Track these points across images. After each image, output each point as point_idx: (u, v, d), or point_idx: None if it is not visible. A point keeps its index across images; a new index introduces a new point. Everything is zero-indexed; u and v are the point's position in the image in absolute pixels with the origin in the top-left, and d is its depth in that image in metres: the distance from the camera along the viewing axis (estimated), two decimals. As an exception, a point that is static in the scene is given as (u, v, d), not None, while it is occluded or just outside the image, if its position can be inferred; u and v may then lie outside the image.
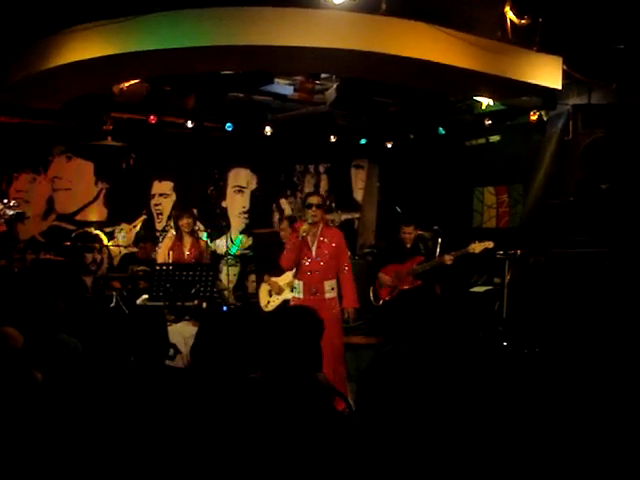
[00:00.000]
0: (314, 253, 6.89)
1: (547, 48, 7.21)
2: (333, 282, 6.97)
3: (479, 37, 7.05)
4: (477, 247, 7.81)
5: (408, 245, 8.20)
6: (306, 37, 6.58)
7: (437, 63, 6.90)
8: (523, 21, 7.00)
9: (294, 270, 7.10)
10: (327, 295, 6.90)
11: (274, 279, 8.59)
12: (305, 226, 6.71)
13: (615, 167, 8.01)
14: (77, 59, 6.96)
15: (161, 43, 6.61)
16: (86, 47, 6.90)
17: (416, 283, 8.05)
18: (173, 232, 8.23)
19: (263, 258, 10.11)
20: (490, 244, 7.86)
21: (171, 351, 4.86)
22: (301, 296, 6.92)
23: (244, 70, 8.22)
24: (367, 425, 3.41)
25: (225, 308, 8.76)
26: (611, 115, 8.10)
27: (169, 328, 4.98)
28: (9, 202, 6.97)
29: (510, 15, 7.02)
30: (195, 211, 10.12)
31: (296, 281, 7.04)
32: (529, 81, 7.42)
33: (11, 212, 6.95)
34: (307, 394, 3.91)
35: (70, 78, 7.49)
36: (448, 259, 7.79)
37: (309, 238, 6.82)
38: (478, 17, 6.97)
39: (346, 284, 7.04)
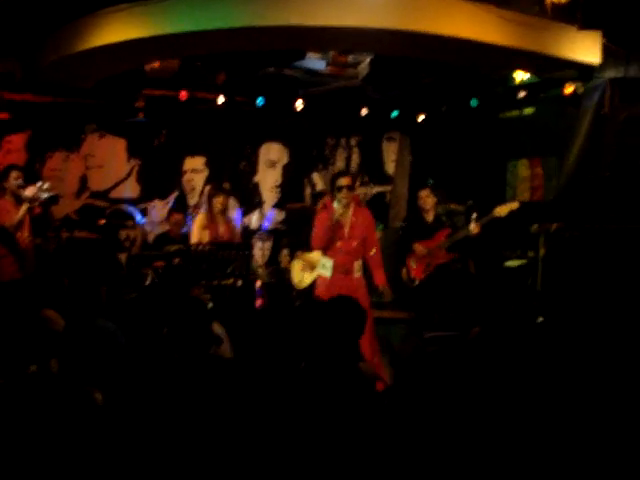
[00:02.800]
0: (347, 234, 6.92)
1: (587, 24, 7.06)
2: (361, 262, 7.07)
3: (516, 13, 6.95)
4: (502, 210, 7.63)
5: (429, 219, 8.08)
6: (341, 16, 6.54)
7: (473, 40, 6.82)
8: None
9: None
10: (356, 275, 7.03)
11: (307, 255, 8.59)
12: (339, 209, 6.75)
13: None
14: (111, 42, 6.97)
15: (195, 25, 6.59)
16: (120, 29, 6.92)
17: (450, 256, 7.95)
18: (204, 213, 8.22)
19: (295, 233, 10.13)
20: (515, 204, 7.69)
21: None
22: (329, 274, 6.95)
23: (277, 49, 8.15)
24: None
25: (259, 292, 8.75)
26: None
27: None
28: (43, 185, 7.00)
29: (550, -8, 6.90)
30: (228, 186, 10.17)
31: (326, 260, 7.05)
32: (567, 56, 7.33)
33: (45, 195, 6.97)
34: (351, 385, 3.94)
35: (104, 59, 7.53)
36: (474, 228, 7.64)
37: (341, 218, 6.85)
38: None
39: (376, 264, 7.11)
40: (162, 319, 5.19)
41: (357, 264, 7.05)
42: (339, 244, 6.94)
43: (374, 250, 7.11)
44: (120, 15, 6.71)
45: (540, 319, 8.14)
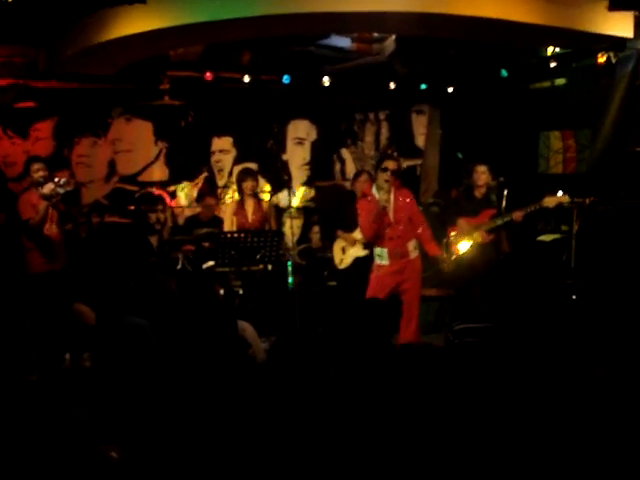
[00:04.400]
0: (393, 218, 6.90)
1: (617, 4, 6.83)
2: (414, 241, 7.08)
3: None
4: (552, 201, 7.48)
5: (479, 196, 7.96)
6: (364, 2, 6.39)
7: (501, 20, 6.66)
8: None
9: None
10: (412, 256, 7.06)
11: (348, 235, 8.60)
12: (382, 196, 6.70)
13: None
14: (131, 32, 6.91)
15: (215, 14, 6.49)
16: (140, 20, 6.84)
17: (490, 237, 7.86)
18: (235, 196, 8.21)
19: (326, 210, 10.10)
20: (565, 198, 7.56)
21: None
22: (387, 262, 6.96)
23: (299, 34, 8.05)
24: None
25: (290, 281, 8.75)
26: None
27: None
28: (60, 180, 6.98)
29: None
30: (256, 166, 10.12)
31: (380, 249, 7.02)
32: (598, 31, 7.13)
33: (62, 191, 6.95)
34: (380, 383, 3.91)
35: (125, 50, 7.48)
36: (518, 216, 7.52)
37: (385, 205, 6.82)
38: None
39: (427, 238, 7.16)
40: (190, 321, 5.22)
41: (411, 245, 7.05)
42: (388, 231, 6.91)
43: (422, 228, 7.09)
44: (140, 6, 6.61)
45: (574, 297, 8.09)
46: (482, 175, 7.84)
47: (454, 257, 7.83)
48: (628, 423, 3.54)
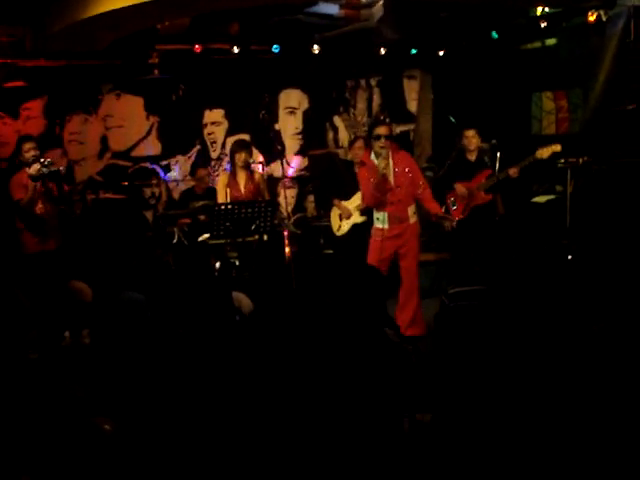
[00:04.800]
0: (393, 183, 6.91)
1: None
2: (414, 206, 7.13)
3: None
4: (545, 152, 7.49)
5: (472, 159, 7.98)
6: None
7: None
8: None
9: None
10: (411, 220, 7.10)
11: (344, 203, 8.61)
12: (381, 162, 6.70)
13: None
14: (116, 7, 6.84)
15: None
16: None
17: (487, 198, 7.89)
18: (225, 172, 8.19)
19: (320, 179, 10.09)
20: (558, 147, 7.54)
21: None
22: (386, 226, 6.98)
23: (287, 2, 7.99)
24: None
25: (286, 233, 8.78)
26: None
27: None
28: (45, 160, 6.94)
29: None
30: (249, 137, 10.09)
31: (379, 213, 7.04)
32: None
33: (46, 171, 6.89)
34: (377, 349, 3.94)
35: (111, 24, 7.40)
36: (514, 172, 7.56)
37: (384, 171, 6.82)
38: None
39: (427, 198, 7.19)
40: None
41: (410, 209, 7.09)
42: (389, 196, 6.92)
43: (422, 187, 7.09)
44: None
45: (569, 257, 8.12)
46: (472, 139, 7.87)
47: (455, 222, 7.86)
48: (624, 382, 3.56)
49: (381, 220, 7.03)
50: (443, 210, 7.85)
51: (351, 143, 9.09)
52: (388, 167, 6.89)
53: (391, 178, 6.92)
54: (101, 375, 4.13)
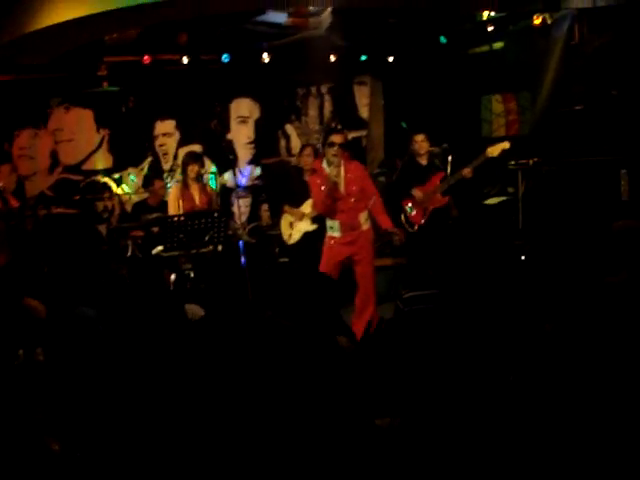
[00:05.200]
0: (344, 191, 6.89)
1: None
2: (366, 213, 7.07)
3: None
4: (495, 150, 7.54)
5: (424, 163, 8.02)
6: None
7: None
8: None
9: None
10: (364, 227, 7.05)
11: (294, 210, 8.59)
12: (332, 170, 6.68)
13: (625, 72, 7.78)
14: (62, 20, 6.79)
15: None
16: (72, 6, 6.73)
17: (444, 200, 7.95)
18: (178, 180, 8.15)
19: (274, 187, 10.08)
20: (507, 144, 7.60)
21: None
22: (339, 234, 6.96)
23: (234, 11, 7.98)
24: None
25: (241, 243, 8.75)
26: (619, 18, 7.81)
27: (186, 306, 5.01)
28: None
29: None
30: (200, 147, 10.06)
31: (332, 221, 7.03)
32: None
33: None
34: (329, 357, 3.94)
35: (58, 37, 7.33)
36: (467, 172, 7.62)
37: (336, 179, 6.81)
38: None
39: (378, 210, 7.12)
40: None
41: (362, 216, 7.04)
42: (339, 204, 6.91)
43: (374, 198, 7.09)
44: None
45: (522, 257, 8.20)
46: (422, 143, 7.91)
47: (416, 227, 7.92)
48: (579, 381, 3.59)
49: (333, 228, 7.03)
50: (402, 218, 7.95)
51: (300, 150, 9.10)
52: (339, 175, 6.89)
53: (342, 186, 6.90)
54: (55, 393, 4.05)
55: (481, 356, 3.86)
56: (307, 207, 8.32)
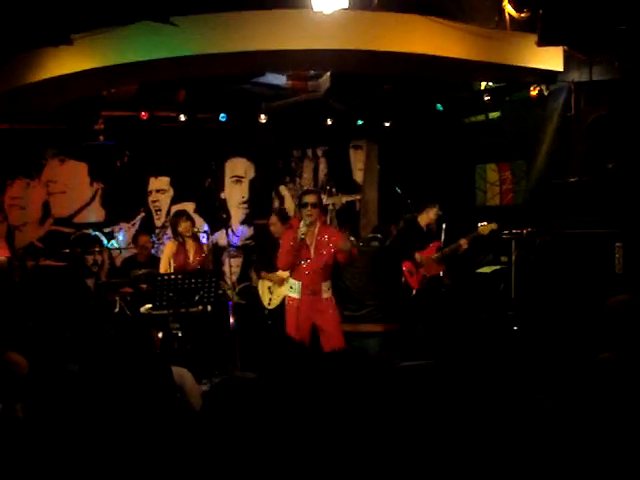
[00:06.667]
0: (313, 253, 6.73)
1: (547, 40, 6.90)
2: (329, 282, 6.86)
3: (475, 26, 6.83)
4: (485, 229, 7.79)
5: (425, 229, 8.11)
6: (293, 40, 6.39)
7: (433, 56, 6.71)
8: (522, 14, 6.74)
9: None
10: (324, 295, 6.79)
11: (272, 275, 8.45)
12: (303, 228, 6.51)
13: (621, 145, 7.81)
14: (61, 73, 6.79)
15: (144, 54, 6.41)
16: (70, 60, 6.72)
17: (441, 268, 8.04)
18: (173, 241, 8.05)
19: (261, 250, 9.99)
20: (495, 226, 7.84)
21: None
22: (298, 296, 6.76)
23: (233, 73, 8.03)
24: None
25: (230, 304, 8.64)
26: (614, 91, 7.87)
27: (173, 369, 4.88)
28: None
29: (508, 9, 6.77)
30: (193, 205, 10.02)
31: (293, 280, 6.88)
32: (529, 65, 7.25)
33: None
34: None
35: (56, 90, 7.34)
36: (464, 243, 7.73)
37: (307, 238, 6.67)
38: (474, 6, 6.74)
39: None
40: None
41: (325, 285, 6.82)
42: (305, 265, 6.75)
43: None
44: (68, 47, 6.49)
45: (515, 328, 8.13)
46: (433, 216, 8.14)
47: (414, 292, 7.98)
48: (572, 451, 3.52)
49: (294, 289, 6.84)
50: (403, 281, 8.02)
51: (268, 218, 8.93)
52: (312, 236, 6.75)
53: (312, 248, 6.76)
54: (33, 451, 3.90)
55: (474, 428, 3.76)
56: (285, 272, 8.14)
